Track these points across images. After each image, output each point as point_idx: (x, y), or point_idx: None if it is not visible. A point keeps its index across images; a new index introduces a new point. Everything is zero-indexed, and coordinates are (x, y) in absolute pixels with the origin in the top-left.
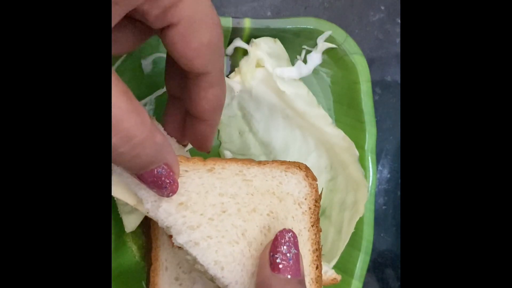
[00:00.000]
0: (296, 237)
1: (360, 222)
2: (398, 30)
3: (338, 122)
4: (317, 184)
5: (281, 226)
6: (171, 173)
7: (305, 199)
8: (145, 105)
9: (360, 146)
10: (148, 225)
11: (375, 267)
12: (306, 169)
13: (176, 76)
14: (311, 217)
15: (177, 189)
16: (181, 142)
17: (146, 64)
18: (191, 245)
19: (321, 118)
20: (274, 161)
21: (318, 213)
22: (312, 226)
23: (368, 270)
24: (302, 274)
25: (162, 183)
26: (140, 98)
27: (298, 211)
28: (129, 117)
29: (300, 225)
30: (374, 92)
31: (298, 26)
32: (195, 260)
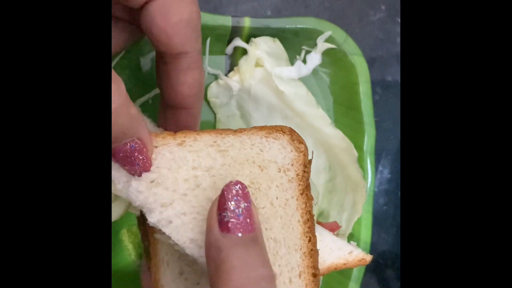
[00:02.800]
0: (246, 188)
1: (358, 224)
2: (398, 29)
3: (337, 123)
4: (305, 147)
5: (264, 197)
6: (144, 149)
7: (292, 165)
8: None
9: (359, 147)
10: (143, 221)
11: (376, 267)
12: (291, 132)
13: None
14: (299, 185)
15: (150, 167)
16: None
17: (145, 62)
18: (164, 223)
19: (320, 119)
20: (252, 127)
21: (307, 179)
22: (301, 194)
23: (369, 271)
24: (257, 228)
25: (135, 160)
26: (138, 96)
27: (283, 179)
28: None
29: (286, 194)
30: (374, 92)
31: (298, 26)
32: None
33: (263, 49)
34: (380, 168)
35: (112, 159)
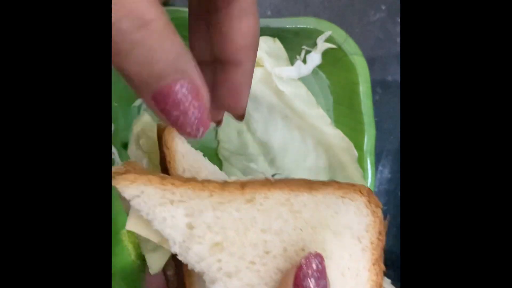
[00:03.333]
0: (323, 260)
1: None
2: (398, 29)
3: (337, 123)
4: (381, 212)
5: (335, 267)
6: (199, 96)
7: (367, 231)
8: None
9: (358, 147)
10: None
11: None
12: (369, 194)
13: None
14: (372, 254)
15: (209, 124)
16: (213, 108)
17: None
18: None
19: (320, 119)
20: (328, 183)
21: (382, 248)
22: (373, 264)
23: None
24: None
25: (189, 106)
26: (138, 96)
27: (357, 247)
28: None
29: (358, 264)
30: (374, 92)
31: (298, 26)
32: None
33: (263, 49)
34: (380, 168)
35: (157, 108)
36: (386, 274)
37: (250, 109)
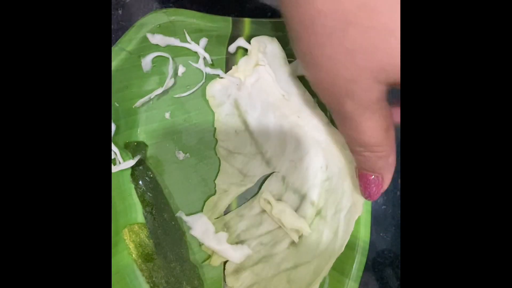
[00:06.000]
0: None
1: (357, 223)
2: None
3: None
4: None
5: None
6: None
7: None
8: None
9: None
10: None
11: (374, 266)
12: None
13: None
14: None
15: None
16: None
17: (146, 62)
18: None
19: (318, 118)
20: None
21: None
22: None
23: (367, 270)
24: None
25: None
26: (139, 97)
27: None
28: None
29: None
30: None
31: None
32: None
33: (262, 48)
34: None
35: (359, 177)
36: (385, 272)
37: (248, 108)
